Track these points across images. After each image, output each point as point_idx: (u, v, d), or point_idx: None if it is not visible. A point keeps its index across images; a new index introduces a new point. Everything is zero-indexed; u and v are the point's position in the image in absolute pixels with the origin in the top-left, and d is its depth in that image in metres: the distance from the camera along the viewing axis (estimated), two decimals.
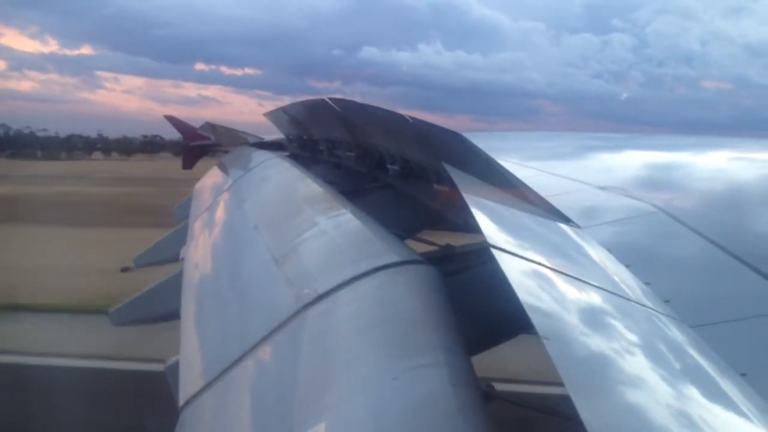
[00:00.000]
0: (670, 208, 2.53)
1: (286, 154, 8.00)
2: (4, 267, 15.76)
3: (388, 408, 1.50)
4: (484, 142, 3.41)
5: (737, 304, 1.78)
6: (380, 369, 1.67)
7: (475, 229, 2.18)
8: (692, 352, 1.47)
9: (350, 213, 3.31)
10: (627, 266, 2.02)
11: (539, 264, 1.85)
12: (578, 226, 2.42)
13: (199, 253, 4.21)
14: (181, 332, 2.81)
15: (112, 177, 54.35)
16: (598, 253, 2.13)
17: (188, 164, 11.88)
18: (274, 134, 9.28)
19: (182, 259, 4.29)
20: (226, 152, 10.81)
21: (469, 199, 2.51)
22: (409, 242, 4.16)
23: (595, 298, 1.71)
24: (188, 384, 2.25)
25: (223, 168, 7.63)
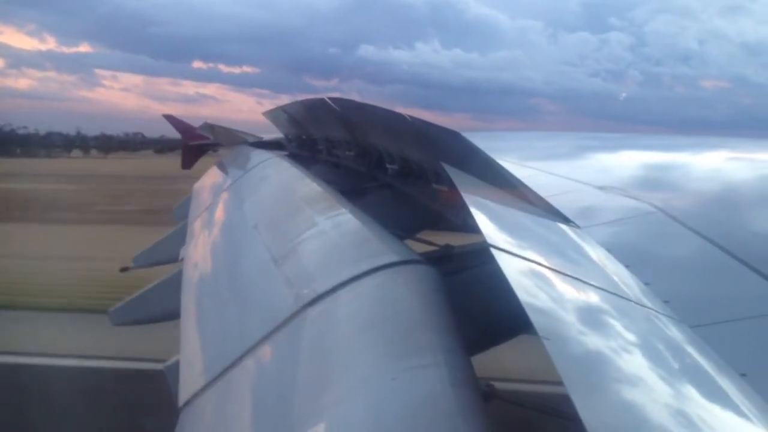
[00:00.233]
0: (669, 208, 2.53)
1: (286, 153, 8.00)
2: None
3: (388, 408, 1.50)
4: (483, 141, 3.41)
5: (737, 305, 1.78)
6: (379, 369, 1.67)
7: (474, 229, 2.18)
8: (692, 352, 1.47)
9: (349, 213, 3.31)
10: (626, 266, 2.02)
11: (539, 264, 1.85)
12: (577, 226, 2.42)
13: (199, 253, 4.21)
14: (180, 332, 2.81)
15: (65, 174, 54.16)
16: (597, 253, 2.13)
17: (187, 164, 11.88)
18: (273, 133, 9.28)
19: (182, 259, 4.28)
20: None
21: (469, 198, 2.51)
22: (409, 242, 4.15)
23: (594, 298, 1.71)
24: (188, 384, 2.25)
25: (222, 168, 7.63)
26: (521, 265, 1.79)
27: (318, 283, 2.36)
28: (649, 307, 1.71)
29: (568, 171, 3.62)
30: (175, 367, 2.49)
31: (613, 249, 2.15)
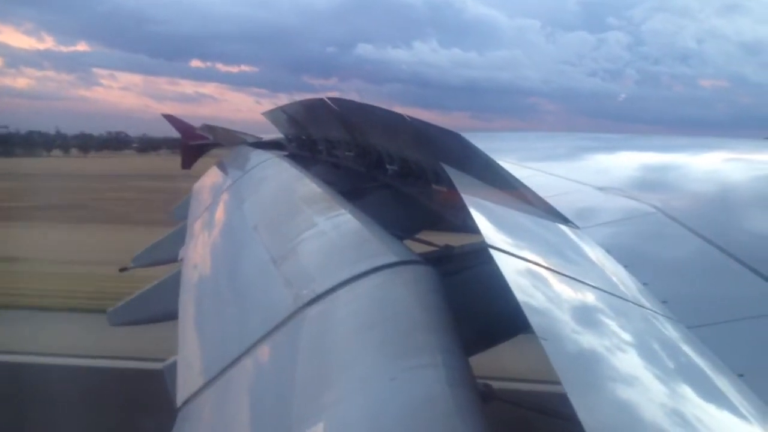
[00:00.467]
0: (668, 209, 2.53)
1: (285, 153, 8.00)
2: None
3: (386, 408, 1.50)
4: (483, 142, 3.41)
5: (735, 305, 1.79)
6: (378, 369, 1.67)
7: (473, 229, 2.18)
8: (689, 352, 1.48)
9: (349, 213, 3.31)
10: (625, 267, 2.02)
11: (537, 264, 1.85)
12: (576, 227, 2.42)
13: (198, 253, 4.21)
14: (179, 332, 2.81)
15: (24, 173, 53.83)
16: (596, 254, 2.13)
17: (187, 164, 11.87)
18: (272, 133, 9.28)
19: (181, 259, 4.29)
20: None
21: (468, 199, 2.52)
22: (408, 242, 4.16)
23: (592, 299, 1.71)
24: (186, 384, 2.25)
25: (222, 168, 7.63)
26: (520, 265, 1.80)
27: (317, 283, 2.36)
28: (647, 308, 1.71)
29: (568, 171, 3.62)
30: (174, 367, 2.49)
31: (611, 249, 2.16)
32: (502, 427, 1.73)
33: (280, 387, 1.86)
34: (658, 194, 2.91)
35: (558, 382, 1.15)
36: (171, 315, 3.40)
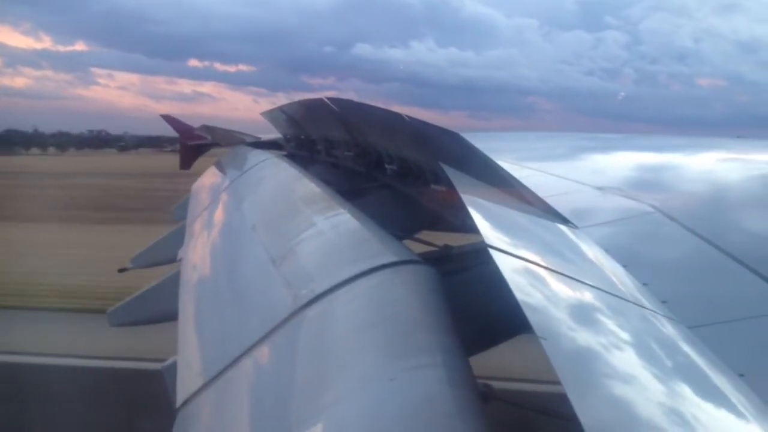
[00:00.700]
0: (667, 209, 2.53)
1: (284, 153, 8.00)
2: None
3: (386, 409, 1.49)
4: (482, 142, 3.41)
5: (735, 305, 1.79)
6: (378, 369, 1.67)
7: (473, 229, 2.18)
8: (689, 352, 1.47)
9: (348, 213, 3.31)
10: (624, 266, 2.02)
11: (537, 264, 1.85)
12: (576, 227, 2.42)
13: (197, 253, 4.21)
14: (178, 332, 2.81)
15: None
16: (595, 254, 2.13)
17: (186, 164, 11.86)
18: (270, 132, 9.28)
19: (180, 259, 4.28)
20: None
21: (467, 199, 2.52)
22: (407, 242, 4.15)
23: (592, 299, 1.71)
24: (186, 384, 2.25)
25: (221, 168, 7.62)
26: (519, 265, 1.79)
27: (316, 283, 2.36)
28: (646, 308, 1.71)
29: (567, 171, 3.63)
30: (173, 367, 2.49)
31: (610, 249, 2.16)
32: (502, 427, 1.73)
33: (280, 387, 1.86)
34: (657, 194, 2.91)
35: (558, 383, 1.15)
36: (170, 315, 3.39)
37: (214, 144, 11.67)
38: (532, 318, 1.38)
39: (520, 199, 2.83)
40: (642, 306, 1.72)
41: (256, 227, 3.77)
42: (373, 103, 4.74)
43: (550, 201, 2.66)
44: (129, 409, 8.51)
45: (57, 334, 11.81)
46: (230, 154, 9.00)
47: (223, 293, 3.19)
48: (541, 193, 2.77)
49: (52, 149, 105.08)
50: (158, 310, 4.51)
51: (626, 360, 1.39)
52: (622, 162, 4.67)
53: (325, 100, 5.31)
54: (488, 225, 2.21)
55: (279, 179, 5.26)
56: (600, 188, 3.05)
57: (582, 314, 1.60)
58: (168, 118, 12.66)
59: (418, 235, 5.05)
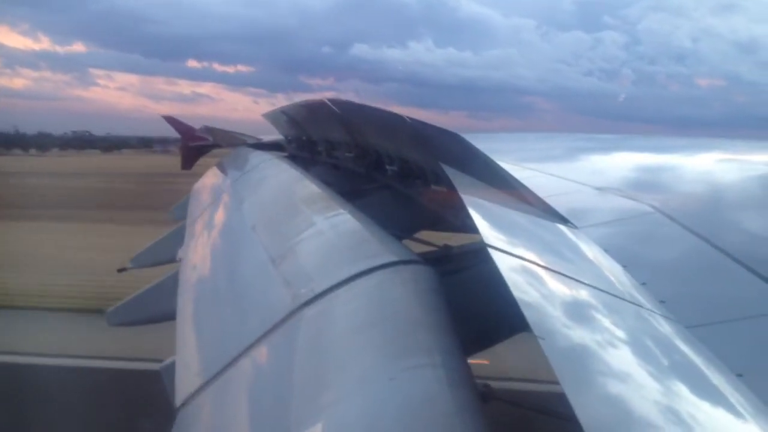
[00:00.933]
0: (666, 209, 2.53)
1: (285, 154, 8.00)
2: None
3: (385, 408, 1.50)
4: (482, 143, 3.42)
5: (733, 305, 1.79)
6: (377, 369, 1.67)
7: (472, 229, 2.18)
8: (688, 352, 1.48)
9: (348, 213, 3.31)
10: (623, 266, 2.02)
11: (536, 264, 1.85)
12: (575, 227, 2.42)
13: (197, 253, 4.21)
14: (177, 332, 2.81)
15: None
16: (594, 254, 2.13)
17: (187, 164, 11.87)
18: (271, 133, 9.29)
19: (179, 259, 4.28)
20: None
21: (467, 199, 2.52)
22: (407, 242, 4.16)
23: (591, 298, 1.71)
24: (184, 384, 2.25)
25: (222, 169, 7.63)
26: (519, 265, 1.80)
27: (316, 282, 2.36)
28: (645, 307, 1.71)
29: (566, 172, 3.63)
30: (172, 367, 2.49)
31: (610, 249, 2.16)
32: (501, 427, 1.73)
33: (279, 387, 1.86)
34: (656, 194, 2.91)
35: (557, 382, 1.15)
36: (169, 315, 3.39)
37: (216, 145, 11.69)
38: (530, 317, 1.38)
39: (519, 199, 2.83)
40: (641, 306, 1.72)
41: (257, 227, 3.77)
42: (372, 104, 4.75)
43: (550, 201, 2.67)
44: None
45: None
46: (231, 155, 9.00)
47: (222, 293, 3.19)
48: (540, 194, 2.77)
49: (33, 150, 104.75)
50: (158, 310, 4.51)
51: (624, 360, 1.39)
52: (621, 162, 4.67)
53: (326, 101, 5.32)
54: (488, 225, 2.21)
55: (280, 180, 5.26)
56: (599, 188, 3.06)
57: (581, 314, 1.60)
58: (169, 119, 12.68)
59: (418, 235, 5.06)
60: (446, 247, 4.01)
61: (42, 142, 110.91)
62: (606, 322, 1.57)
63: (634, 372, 1.35)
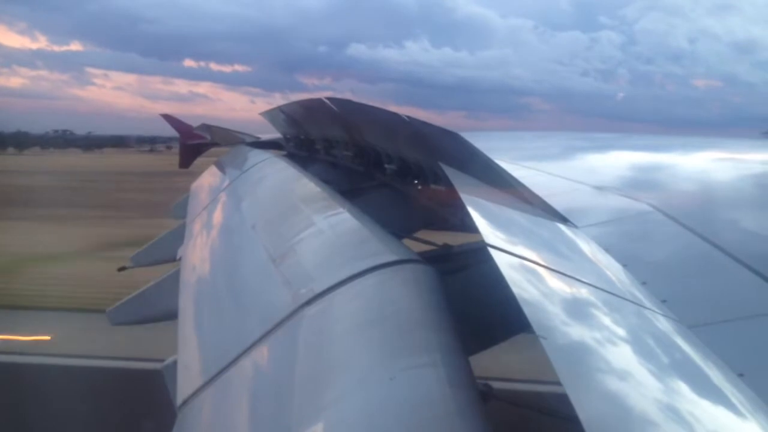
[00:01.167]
0: (666, 208, 2.53)
1: (284, 153, 8.00)
2: None
3: (386, 408, 1.50)
4: (481, 142, 3.41)
5: (734, 304, 1.79)
6: (377, 369, 1.67)
7: (472, 228, 2.18)
8: (689, 351, 1.48)
9: (347, 212, 3.31)
10: (624, 266, 2.02)
11: (536, 263, 1.85)
12: (575, 226, 2.42)
13: (197, 252, 4.20)
14: (178, 332, 2.80)
15: None
16: (594, 253, 2.13)
17: (185, 163, 11.85)
18: (268, 132, 9.27)
19: (179, 258, 4.28)
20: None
21: (467, 198, 2.52)
22: (407, 242, 4.15)
23: (591, 298, 1.71)
24: (186, 384, 2.25)
25: (221, 167, 7.62)
26: (519, 264, 1.79)
27: (316, 282, 2.35)
28: (646, 307, 1.71)
29: (566, 171, 3.63)
30: (173, 366, 2.49)
31: (610, 248, 2.16)
32: (501, 427, 1.73)
33: (280, 386, 1.86)
34: (656, 193, 2.91)
35: (558, 382, 1.15)
36: (170, 314, 3.39)
37: (214, 143, 11.66)
38: (531, 317, 1.38)
39: (519, 198, 2.83)
40: (641, 305, 1.72)
41: (256, 226, 3.77)
42: (371, 103, 4.75)
43: (550, 200, 2.66)
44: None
45: None
46: (230, 153, 8.99)
47: (223, 292, 3.19)
48: (540, 193, 2.77)
49: (11, 149, 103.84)
50: (158, 309, 4.51)
51: (625, 359, 1.39)
52: (621, 161, 4.67)
53: (325, 100, 5.31)
54: (488, 224, 2.21)
55: (279, 179, 5.26)
56: (599, 188, 3.05)
57: (581, 313, 1.60)
58: (168, 118, 12.66)
59: (418, 235, 5.06)
60: (446, 246, 4.01)
61: (19, 141, 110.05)
62: (607, 321, 1.57)
63: (635, 371, 1.35)
